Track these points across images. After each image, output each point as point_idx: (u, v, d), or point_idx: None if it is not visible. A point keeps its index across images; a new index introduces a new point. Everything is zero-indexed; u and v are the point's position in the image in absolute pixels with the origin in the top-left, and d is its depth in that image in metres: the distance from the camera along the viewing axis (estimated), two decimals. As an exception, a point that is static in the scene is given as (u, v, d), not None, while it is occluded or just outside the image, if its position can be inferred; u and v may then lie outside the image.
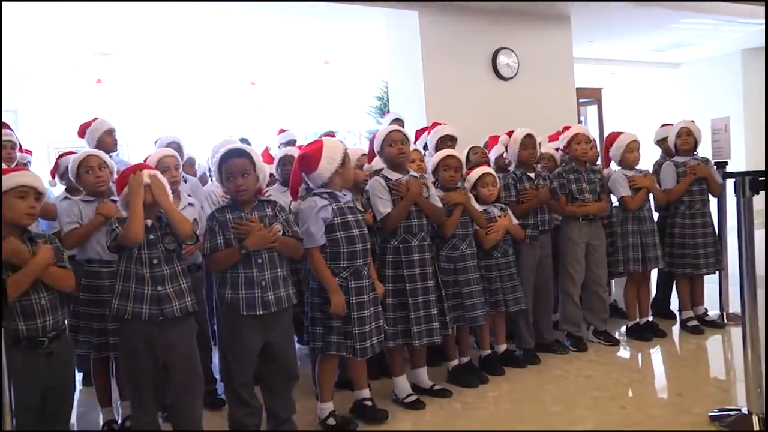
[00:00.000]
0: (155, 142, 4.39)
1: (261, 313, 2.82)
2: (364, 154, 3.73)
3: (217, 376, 3.66)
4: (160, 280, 2.69)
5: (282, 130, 5.91)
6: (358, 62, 9.51)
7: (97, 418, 3.35)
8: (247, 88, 9.44)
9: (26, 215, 2.52)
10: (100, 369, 3.30)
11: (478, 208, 3.82)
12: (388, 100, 7.12)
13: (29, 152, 4.56)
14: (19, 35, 7.13)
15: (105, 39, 7.72)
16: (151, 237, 2.71)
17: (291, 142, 5.72)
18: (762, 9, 7.03)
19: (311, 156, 3.06)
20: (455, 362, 3.75)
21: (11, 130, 4.12)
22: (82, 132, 4.25)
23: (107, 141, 4.19)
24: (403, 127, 6.43)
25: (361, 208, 3.18)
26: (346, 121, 10.03)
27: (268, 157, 4.23)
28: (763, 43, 9.06)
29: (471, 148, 4.43)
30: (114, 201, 3.20)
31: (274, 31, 7.77)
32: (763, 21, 7.47)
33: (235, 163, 2.86)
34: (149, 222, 2.71)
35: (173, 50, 8.34)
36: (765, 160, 4.54)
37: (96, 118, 4.28)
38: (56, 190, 4.09)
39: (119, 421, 3.29)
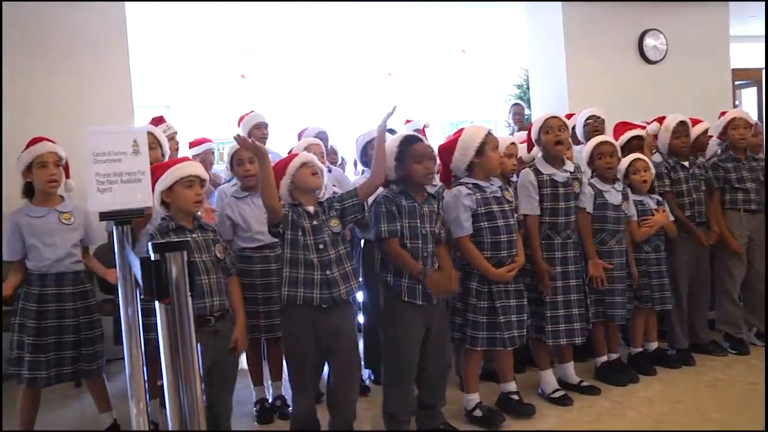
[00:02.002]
0: (299, 134, 4.54)
1: (421, 303, 2.83)
2: (513, 143, 3.65)
3: (362, 363, 3.76)
4: (328, 264, 2.72)
5: (408, 120, 5.94)
6: (496, 50, 9.37)
7: (248, 395, 3.51)
8: (384, 79, 9.57)
9: (194, 203, 2.71)
10: (252, 350, 3.46)
11: (634, 198, 3.67)
12: (528, 88, 6.96)
13: (209, 140, 4.87)
14: (169, 35, 7.65)
15: (247, 35, 8.11)
16: (315, 222, 2.75)
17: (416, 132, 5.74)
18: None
19: (447, 148, 3.09)
20: (604, 358, 3.61)
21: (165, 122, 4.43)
22: (239, 123, 4.49)
23: (255, 134, 4.34)
24: (524, 112, 6.34)
25: (510, 198, 3.12)
26: (484, 110, 9.92)
27: None
28: None
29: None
30: None
31: (411, 22, 7.82)
32: None
33: (423, 147, 2.85)
34: (311, 208, 2.78)
35: (311, 44, 8.63)
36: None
37: (251, 111, 4.50)
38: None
39: (270, 400, 3.45)
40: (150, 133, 3.30)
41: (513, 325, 3.05)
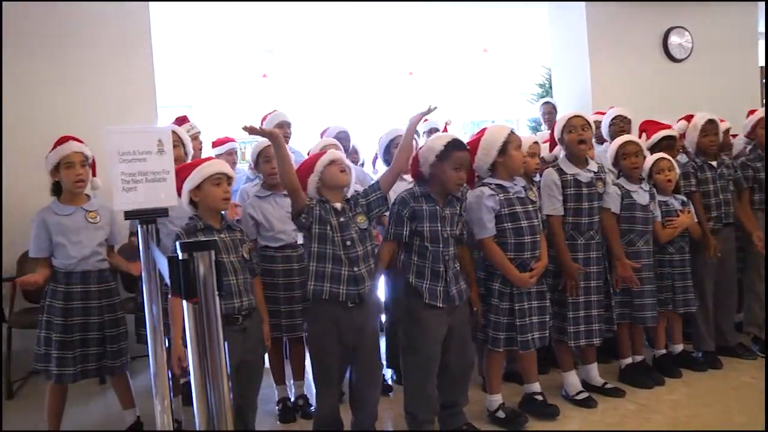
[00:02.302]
0: (321, 133, 4.55)
1: (442, 306, 2.81)
2: (535, 142, 3.63)
3: (383, 363, 3.76)
4: (355, 261, 2.72)
5: (426, 119, 5.89)
6: (518, 49, 9.33)
7: (270, 394, 3.51)
8: (405, 78, 9.57)
9: (223, 200, 2.73)
10: (274, 349, 3.46)
11: (659, 198, 3.63)
12: (550, 86, 6.92)
13: (233, 140, 4.88)
14: (190, 35, 7.70)
15: (268, 35, 8.14)
16: (342, 219, 2.75)
17: (433, 130, 5.72)
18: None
19: (470, 147, 3.06)
20: (628, 360, 3.57)
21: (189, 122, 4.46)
22: (262, 122, 4.52)
23: None
24: (555, 111, 6.29)
25: (534, 199, 3.10)
26: (506, 109, 9.88)
27: None
28: None
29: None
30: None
31: (432, 21, 7.81)
32: None
33: (465, 157, 2.85)
34: (339, 205, 2.78)
35: (332, 43, 8.64)
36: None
37: (274, 111, 4.52)
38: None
39: (292, 399, 3.46)
40: (173, 132, 3.33)
41: (534, 327, 3.03)
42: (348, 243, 2.72)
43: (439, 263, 2.81)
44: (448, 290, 2.82)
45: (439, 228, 2.82)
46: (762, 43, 6.76)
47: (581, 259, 3.28)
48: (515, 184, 3.05)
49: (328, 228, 2.72)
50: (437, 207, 2.84)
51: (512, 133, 3.05)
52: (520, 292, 3.01)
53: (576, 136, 3.29)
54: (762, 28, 6.73)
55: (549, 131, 4.00)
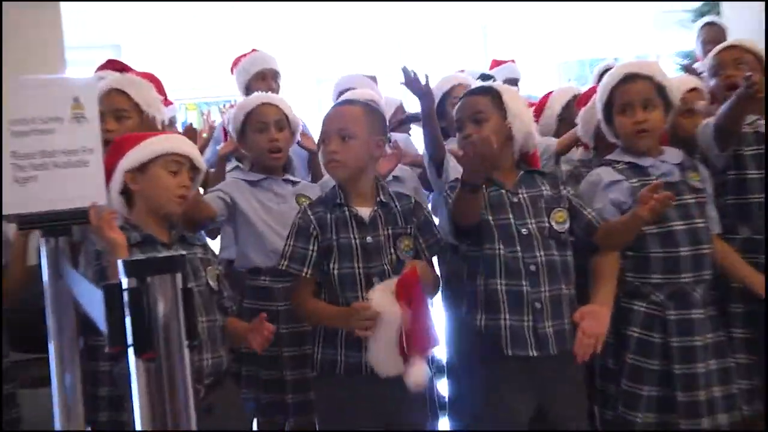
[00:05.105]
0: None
1: (534, 354, 2.80)
2: (695, 89, 3.65)
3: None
4: None
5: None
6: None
7: None
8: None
9: (177, 197, 2.67)
10: None
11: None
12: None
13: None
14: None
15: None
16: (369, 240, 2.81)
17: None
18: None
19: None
20: None
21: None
22: (233, 68, 4.72)
23: (259, 87, 4.47)
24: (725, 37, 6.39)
25: (697, 185, 3.07)
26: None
27: None
28: None
29: None
30: (290, 181, 3.41)
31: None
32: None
33: (468, 102, 3.01)
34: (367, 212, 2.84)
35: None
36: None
37: (252, 51, 4.72)
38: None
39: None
40: (120, 92, 3.24)
41: (714, 405, 2.91)
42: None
43: (520, 279, 2.77)
44: (537, 327, 2.76)
45: (512, 220, 2.81)
46: None
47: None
48: (662, 161, 3.02)
49: None
50: (502, 190, 2.86)
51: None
52: (685, 344, 2.90)
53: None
54: None
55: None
